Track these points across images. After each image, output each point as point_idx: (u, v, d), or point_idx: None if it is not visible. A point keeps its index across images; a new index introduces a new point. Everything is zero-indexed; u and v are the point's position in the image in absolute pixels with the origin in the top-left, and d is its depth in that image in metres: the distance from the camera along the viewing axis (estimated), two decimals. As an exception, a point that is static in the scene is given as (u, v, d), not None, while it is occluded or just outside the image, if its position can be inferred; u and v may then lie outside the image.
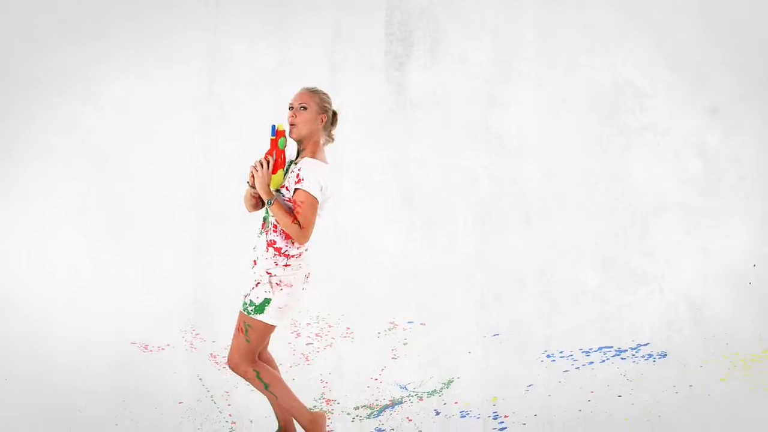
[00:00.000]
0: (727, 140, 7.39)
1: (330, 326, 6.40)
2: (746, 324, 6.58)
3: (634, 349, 6.55)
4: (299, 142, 5.00)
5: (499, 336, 6.87)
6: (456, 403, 5.88)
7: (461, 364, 6.46)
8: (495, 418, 5.65)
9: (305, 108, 4.93)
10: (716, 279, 7.00)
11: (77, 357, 6.02)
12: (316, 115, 4.96)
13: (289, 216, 4.83)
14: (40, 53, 7.50)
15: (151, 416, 5.41)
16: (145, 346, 6.36)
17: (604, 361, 6.40)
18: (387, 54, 7.77)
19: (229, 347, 5.01)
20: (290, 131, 4.95)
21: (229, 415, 5.51)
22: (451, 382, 6.19)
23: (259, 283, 4.94)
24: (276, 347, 5.51)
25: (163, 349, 6.31)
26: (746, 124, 7.37)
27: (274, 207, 4.83)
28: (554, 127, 7.70)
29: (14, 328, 6.44)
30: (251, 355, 4.96)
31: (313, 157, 4.96)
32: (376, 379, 6.24)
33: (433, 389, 6.07)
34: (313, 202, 4.84)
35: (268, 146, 4.92)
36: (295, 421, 5.23)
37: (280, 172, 4.90)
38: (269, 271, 4.92)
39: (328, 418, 5.54)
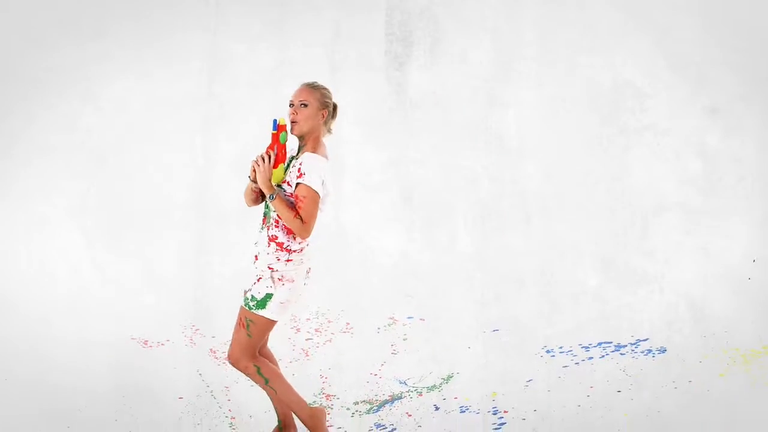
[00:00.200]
0: (727, 140, 7.39)
1: (330, 321, 6.40)
2: (746, 324, 6.56)
3: (634, 344, 6.54)
4: (300, 138, 5.01)
5: (498, 332, 6.87)
6: (455, 398, 5.87)
7: (461, 360, 6.45)
8: (494, 414, 5.64)
9: (306, 105, 4.93)
10: (716, 279, 6.99)
11: (77, 357, 6.02)
12: (317, 111, 4.96)
13: (291, 211, 4.83)
14: (40, 53, 7.50)
15: (150, 412, 5.40)
16: (145, 342, 6.35)
17: (603, 356, 6.39)
18: (387, 54, 7.77)
19: (230, 342, 5.00)
20: (291, 128, 4.95)
21: (229, 410, 5.51)
22: (451, 377, 6.18)
23: (260, 278, 4.94)
24: (275, 343, 5.50)
25: (162, 344, 6.30)
26: (746, 124, 7.37)
27: (276, 202, 4.83)
28: (554, 127, 7.70)
29: (14, 328, 6.42)
30: (252, 351, 4.95)
31: (313, 152, 4.96)
32: (375, 375, 6.23)
33: (432, 384, 6.06)
34: (314, 197, 4.85)
35: (269, 141, 4.92)
36: (294, 417, 5.22)
37: (281, 166, 4.90)
38: (271, 266, 4.93)
39: (328, 414, 5.54)
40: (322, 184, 4.90)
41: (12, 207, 7.45)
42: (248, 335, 4.92)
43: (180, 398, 5.64)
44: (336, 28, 7.74)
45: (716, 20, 7.37)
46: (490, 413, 5.63)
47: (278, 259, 4.93)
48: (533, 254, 7.46)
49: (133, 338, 6.39)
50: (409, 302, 7.02)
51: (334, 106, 5.09)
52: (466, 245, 7.54)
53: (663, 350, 6.43)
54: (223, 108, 7.68)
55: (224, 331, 6.20)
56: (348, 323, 6.76)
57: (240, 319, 4.95)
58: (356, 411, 5.71)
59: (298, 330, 6.52)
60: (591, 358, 6.37)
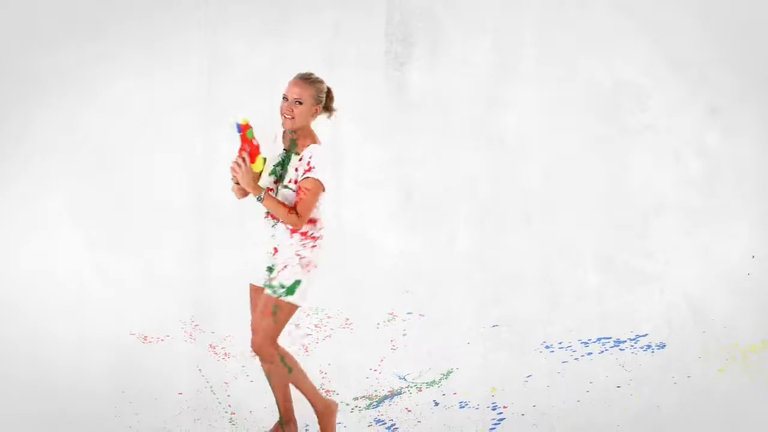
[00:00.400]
0: (727, 140, 7.40)
1: (329, 317, 6.41)
2: (745, 321, 6.56)
3: (633, 340, 6.54)
4: (292, 131, 5.01)
5: (498, 327, 6.88)
6: (455, 394, 5.87)
7: (460, 356, 6.46)
8: (494, 409, 5.63)
9: (301, 103, 4.92)
10: (716, 279, 6.99)
11: (77, 356, 6.01)
12: (311, 107, 4.96)
13: (284, 207, 4.86)
14: (40, 53, 7.51)
15: (150, 407, 5.40)
16: (144, 338, 6.34)
17: (602, 352, 6.39)
18: (387, 54, 7.79)
19: (253, 333, 5.01)
20: (284, 122, 4.93)
21: (228, 405, 5.50)
22: (450, 373, 6.18)
23: (286, 266, 4.97)
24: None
25: (162, 340, 6.30)
26: (746, 124, 7.38)
27: (265, 203, 4.85)
28: (554, 127, 7.71)
29: (14, 328, 6.42)
30: (276, 338, 5.01)
31: (315, 142, 4.98)
32: (375, 370, 6.23)
33: (432, 380, 6.06)
34: (318, 190, 4.88)
35: (238, 144, 4.89)
36: (295, 414, 5.24)
37: (259, 158, 4.91)
38: (299, 254, 4.98)
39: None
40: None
41: (12, 207, 7.45)
42: (275, 322, 4.97)
43: (180, 394, 5.64)
44: (336, 28, 7.75)
45: (716, 20, 7.39)
46: (490, 409, 5.63)
47: (304, 247, 4.99)
48: (533, 254, 7.46)
49: (132, 334, 6.39)
50: (409, 298, 7.02)
51: (329, 93, 5.08)
52: (466, 245, 7.55)
53: (662, 346, 6.42)
54: (223, 108, 7.70)
55: (224, 328, 6.22)
56: (348, 319, 6.76)
57: (265, 307, 4.96)
58: (356, 407, 5.70)
59: (297, 325, 6.52)
60: (590, 353, 6.36)
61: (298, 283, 4.96)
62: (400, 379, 6.10)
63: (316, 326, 6.56)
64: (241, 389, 5.58)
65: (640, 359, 6.23)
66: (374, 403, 5.76)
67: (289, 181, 4.95)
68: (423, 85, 7.82)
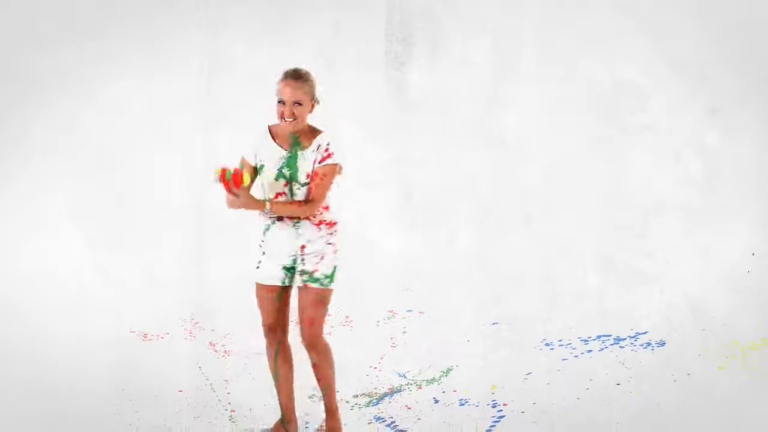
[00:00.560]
0: (727, 140, 7.40)
1: (329, 315, 6.40)
2: (745, 320, 6.55)
3: (633, 337, 6.54)
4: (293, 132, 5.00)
5: (498, 325, 6.89)
6: (455, 391, 5.86)
7: (460, 353, 6.46)
8: (494, 406, 5.62)
9: (301, 104, 4.89)
10: (716, 279, 6.99)
11: (77, 355, 6.01)
12: (309, 104, 4.94)
13: (293, 204, 4.91)
14: (40, 53, 7.51)
15: (150, 405, 5.40)
16: (144, 335, 6.34)
17: (602, 349, 6.38)
18: (387, 54, 7.79)
19: (301, 326, 5.10)
20: (288, 124, 4.90)
21: (228, 403, 5.50)
22: (450, 370, 6.18)
23: (322, 256, 5.03)
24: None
25: (162, 337, 6.29)
26: (746, 124, 7.37)
27: (275, 209, 4.88)
28: (554, 127, 7.71)
29: (14, 328, 6.42)
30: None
31: (319, 132, 4.98)
32: (375, 368, 6.23)
33: (432, 377, 6.05)
34: (334, 174, 4.97)
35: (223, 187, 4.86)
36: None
37: (245, 176, 4.87)
38: (330, 242, 5.07)
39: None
40: None
41: (12, 207, 7.45)
42: (325, 311, 5.13)
43: (179, 392, 5.63)
44: (336, 28, 7.75)
45: (716, 20, 7.38)
46: (490, 406, 5.62)
47: (332, 234, 5.07)
48: (533, 254, 7.47)
49: (132, 331, 6.38)
50: (409, 297, 7.02)
51: None
52: (466, 245, 7.55)
53: (662, 343, 6.42)
54: (223, 108, 7.70)
55: (224, 325, 6.22)
56: (347, 316, 6.76)
57: (315, 300, 5.06)
58: (356, 404, 5.70)
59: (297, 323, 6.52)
60: (590, 351, 6.36)
61: (335, 269, 5.07)
62: (400, 376, 6.10)
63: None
64: (241, 387, 5.58)
65: (640, 357, 6.23)
66: (374, 401, 5.75)
67: (307, 176, 4.95)
68: (423, 85, 7.82)
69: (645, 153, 7.56)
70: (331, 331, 6.54)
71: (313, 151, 4.93)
